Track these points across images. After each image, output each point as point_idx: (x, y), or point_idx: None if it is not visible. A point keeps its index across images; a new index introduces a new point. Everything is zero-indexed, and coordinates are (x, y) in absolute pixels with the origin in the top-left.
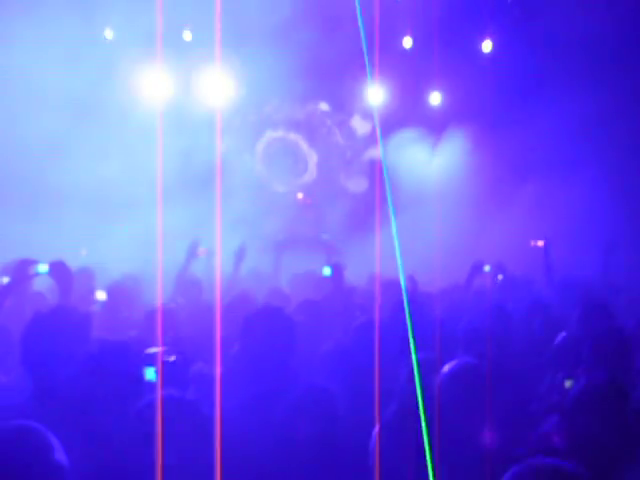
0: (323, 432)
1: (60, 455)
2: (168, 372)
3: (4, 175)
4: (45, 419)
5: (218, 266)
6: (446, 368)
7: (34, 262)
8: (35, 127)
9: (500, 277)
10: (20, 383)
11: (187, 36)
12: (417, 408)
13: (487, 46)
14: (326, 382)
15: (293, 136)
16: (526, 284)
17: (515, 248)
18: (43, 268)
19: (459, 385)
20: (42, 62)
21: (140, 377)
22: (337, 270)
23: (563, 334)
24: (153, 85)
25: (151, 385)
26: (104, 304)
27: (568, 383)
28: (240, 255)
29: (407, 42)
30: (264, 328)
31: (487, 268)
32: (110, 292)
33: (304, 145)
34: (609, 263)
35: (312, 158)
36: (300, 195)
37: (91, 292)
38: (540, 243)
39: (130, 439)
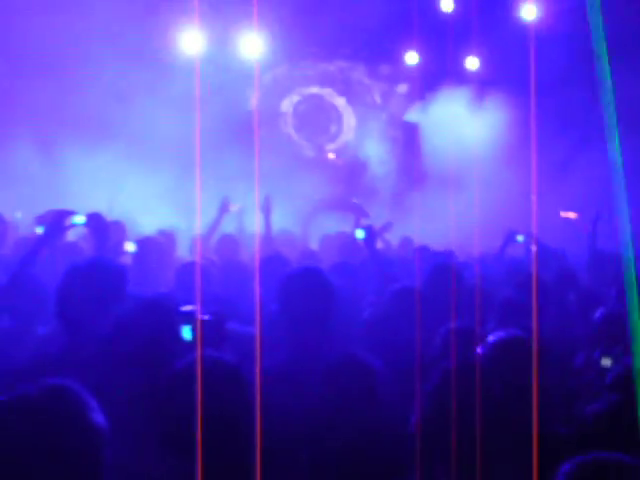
0: (360, 406)
1: (98, 416)
2: (203, 331)
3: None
4: (79, 375)
5: (256, 224)
6: (491, 338)
7: (71, 213)
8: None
9: (534, 248)
10: (56, 336)
11: None
12: (459, 381)
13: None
14: (365, 353)
15: (328, 93)
16: (559, 256)
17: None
18: (80, 219)
19: (507, 357)
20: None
21: (175, 335)
22: (370, 233)
23: (601, 310)
24: (190, 40)
25: (187, 344)
26: (134, 257)
27: (606, 361)
28: (266, 210)
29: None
30: (303, 289)
31: (520, 238)
32: (140, 245)
33: (341, 103)
34: None
35: (349, 118)
36: (332, 155)
37: (120, 243)
38: (572, 215)
39: (166, 399)
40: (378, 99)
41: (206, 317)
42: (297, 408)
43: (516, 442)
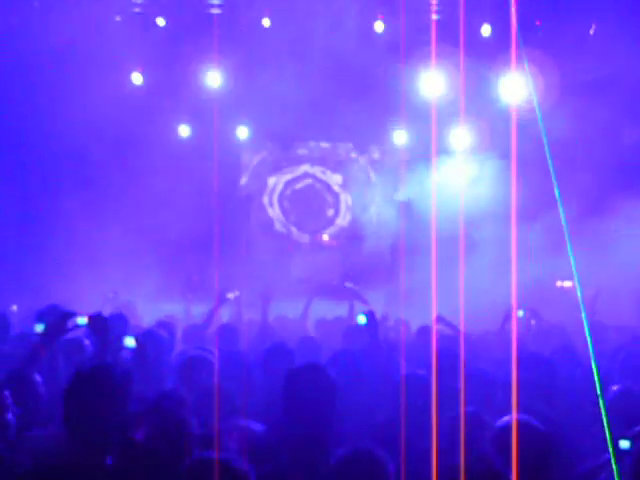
0: None
1: None
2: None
3: None
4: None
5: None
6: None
7: (73, 314)
8: None
9: (533, 322)
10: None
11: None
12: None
13: None
14: (378, 449)
15: (321, 171)
16: (560, 330)
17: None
18: (82, 320)
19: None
20: None
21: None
22: (372, 318)
23: (615, 388)
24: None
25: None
26: (134, 351)
27: (625, 443)
28: (266, 299)
29: None
30: (306, 388)
31: (521, 313)
32: (141, 340)
33: (337, 181)
34: None
35: (346, 198)
36: (326, 237)
37: (121, 337)
38: (567, 284)
39: None
40: (373, 177)
41: None
42: None
43: None
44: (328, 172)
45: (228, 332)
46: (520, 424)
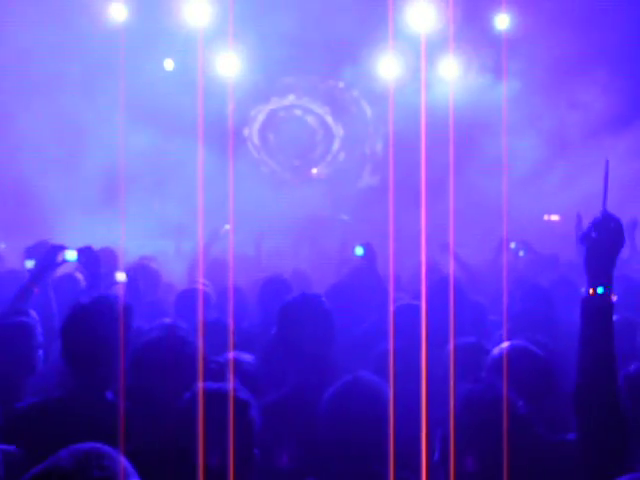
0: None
1: None
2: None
3: None
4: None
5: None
6: (497, 351)
7: (61, 248)
8: None
9: (521, 253)
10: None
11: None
12: (482, 403)
13: None
14: (373, 376)
15: (307, 102)
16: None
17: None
18: (71, 255)
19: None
20: None
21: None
22: (370, 250)
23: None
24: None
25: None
26: (125, 286)
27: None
28: (259, 240)
29: None
30: (302, 317)
31: (513, 245)
32: (132, 273)
33: (329, 119)
34: None
35: (338, 131)
36: (315, 170)
37: (112, 272)
38: (554, 217)
39: (181, 428)
40: (369, 111)
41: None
42: (306, 438)
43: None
44: (318, 103)
45: (219, 267)
46: (519, 350)
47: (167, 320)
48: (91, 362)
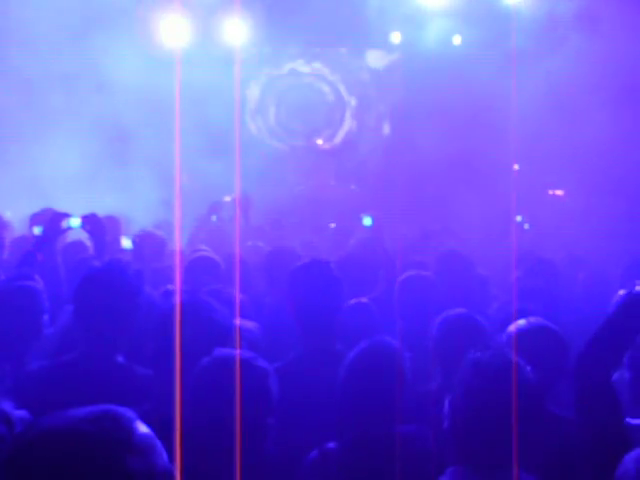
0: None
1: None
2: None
3: None
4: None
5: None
6: (514, 328)
7: (65, 215)
8: None
9: (526, 226)
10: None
11: None
12: (491, 373)
13: None
14: (390, 339)
15: (319, 69)
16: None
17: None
18: (76, 222)
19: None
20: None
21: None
22: (377, 220)
23: (621, 292)
24: (172, 29)
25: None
26: (132, 252)
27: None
28: (245, 205)
29: None
30: (312, 282)
31: (519, 218)
32: (139, 241)
33: (342, 88)
34: None
35: (350, 101)
36: (320, 141)
37: (117, 239)
38: (558, 192)
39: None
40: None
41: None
42: (315, 402)
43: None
44: (326, 71)
45: (219, 235)
46: (539, 328)
47: (170, 287)
48: (104, 326)
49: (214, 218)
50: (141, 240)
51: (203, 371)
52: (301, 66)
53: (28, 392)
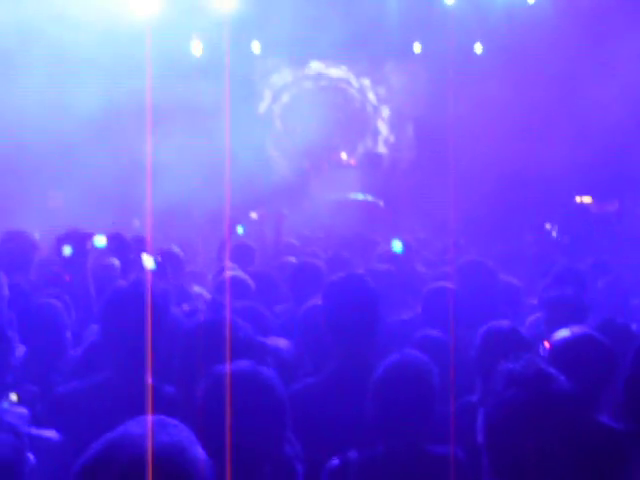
0: (416, 414)
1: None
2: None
3: None
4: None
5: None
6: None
7: (90, 235)
8: None
9: (554, 234)
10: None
11: None
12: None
13: None
14: (420, 355)
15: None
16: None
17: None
18: (101, 241)
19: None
20: None
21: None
22: (407, 246)
23: None
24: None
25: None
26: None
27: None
28: (278, 221)
29: None
30: (348, 296)
31: (548, 226)
32: (159, 259)
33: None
34: None
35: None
36: (344, 155)
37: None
38: (587, 199)
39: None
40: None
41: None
42: (348, 417)
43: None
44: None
45: (244, 251)
46: (585, 338)
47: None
48: (133, 346)
49: (240, 231)
50: (163, 258)
51: (209, 384)
52: (324, 69)
53: (60, 415)
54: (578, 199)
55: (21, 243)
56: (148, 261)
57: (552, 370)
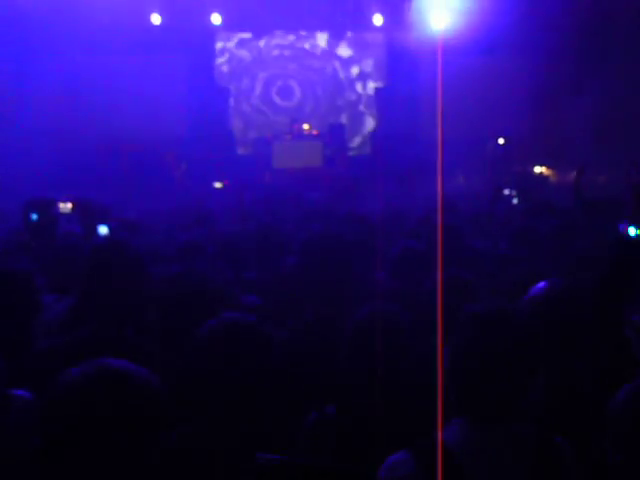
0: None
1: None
2: None
3: None
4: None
5: None
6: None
7: (57, 200)
8: None
9: (516, 201)
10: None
11: None
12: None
13: None
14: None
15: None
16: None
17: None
18: (67, 207)
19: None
20: None
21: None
22: None
23: None
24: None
25: None
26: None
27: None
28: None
29: None
30: (323, 250)
31: (507, 192)
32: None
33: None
34: None
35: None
36: (307, 126)
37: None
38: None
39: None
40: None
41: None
42: (324, 366)
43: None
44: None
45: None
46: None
47: None
48: (114, 301)
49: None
50: (116, 227)
51: (210, 332)
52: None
53: (39, 371)
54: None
55: None
56: (102, 229)
57: (514, 307)
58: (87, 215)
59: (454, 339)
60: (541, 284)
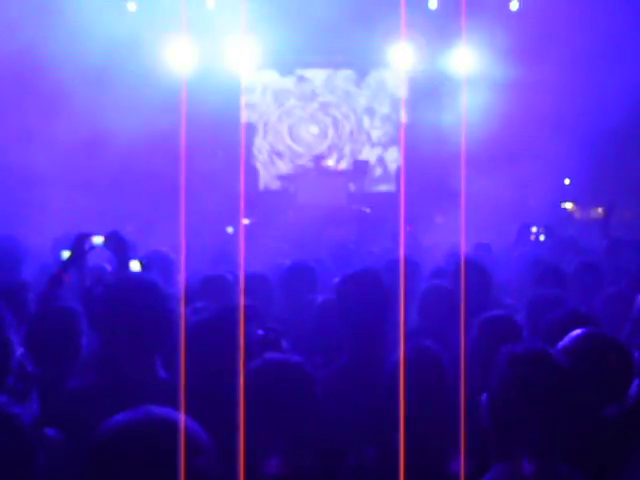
0: (429, 399)
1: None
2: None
3: None
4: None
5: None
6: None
7: (89, 234)
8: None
9: (542, 238)
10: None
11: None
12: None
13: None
14: (431, 343)
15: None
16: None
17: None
18: (98, 240)
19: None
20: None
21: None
22: None
23: None
24: (178, 54)
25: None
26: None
27: None
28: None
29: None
30: (360, 291)
31: (534, 229)
32: (146, 263)
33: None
34: None
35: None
36: (331, 162)
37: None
38: (568, 206)
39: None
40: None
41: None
42: (363, 407)
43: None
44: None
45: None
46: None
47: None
48: (147, 340)
49: (230, 230)
50: (149, 261)
51: (255, 373)
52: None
53: (69, 411)
54: (563, 205)
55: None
56: (134, 265)
57: (550, 348)
58: (121, 250)
59: (494, 381)
60: (577, 333)
